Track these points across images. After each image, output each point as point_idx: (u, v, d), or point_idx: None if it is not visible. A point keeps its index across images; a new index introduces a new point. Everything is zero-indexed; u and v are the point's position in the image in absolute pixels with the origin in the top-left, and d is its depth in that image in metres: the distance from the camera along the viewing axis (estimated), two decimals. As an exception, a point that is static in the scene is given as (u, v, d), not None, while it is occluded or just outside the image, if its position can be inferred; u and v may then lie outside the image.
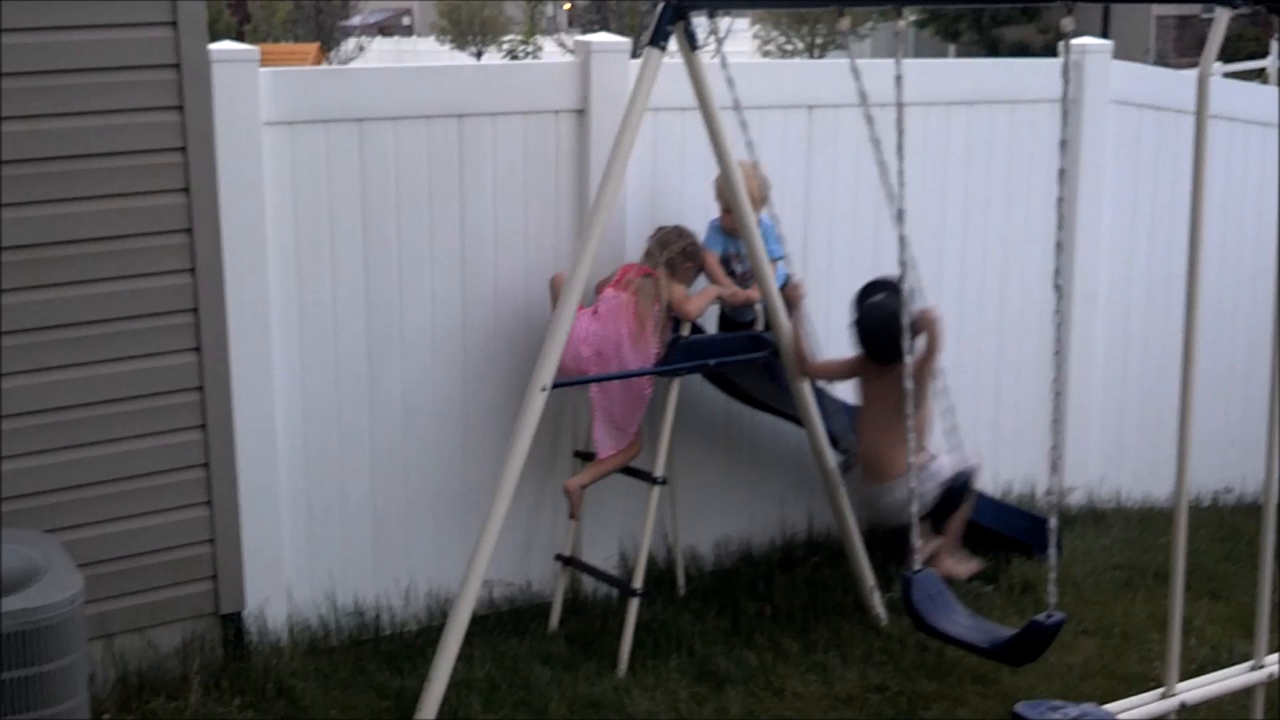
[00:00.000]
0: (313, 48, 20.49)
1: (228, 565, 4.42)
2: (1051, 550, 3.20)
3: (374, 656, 4.57)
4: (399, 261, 4.73)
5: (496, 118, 4.82)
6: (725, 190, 4.69)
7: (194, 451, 4.31)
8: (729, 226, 4.83)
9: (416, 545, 4.89)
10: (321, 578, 4.73)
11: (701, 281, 4.91)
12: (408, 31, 40.26)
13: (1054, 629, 3.25)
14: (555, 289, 4.69)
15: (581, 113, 4.92)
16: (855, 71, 4.03)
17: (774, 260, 4.76)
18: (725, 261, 4.90)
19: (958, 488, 4.33)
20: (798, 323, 4.63)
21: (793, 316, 4.65)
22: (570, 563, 4.94)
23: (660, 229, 4.87)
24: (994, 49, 26.66)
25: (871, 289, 4.43)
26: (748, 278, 4.86)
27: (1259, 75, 18.68)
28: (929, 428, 4.34)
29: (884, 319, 4.20)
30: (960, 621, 3.54)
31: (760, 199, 4.79)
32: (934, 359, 4.22)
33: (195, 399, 4.29)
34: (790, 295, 4.71)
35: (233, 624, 4.48)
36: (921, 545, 4.11)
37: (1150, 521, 6.06)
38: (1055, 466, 3.22)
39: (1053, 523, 3.18)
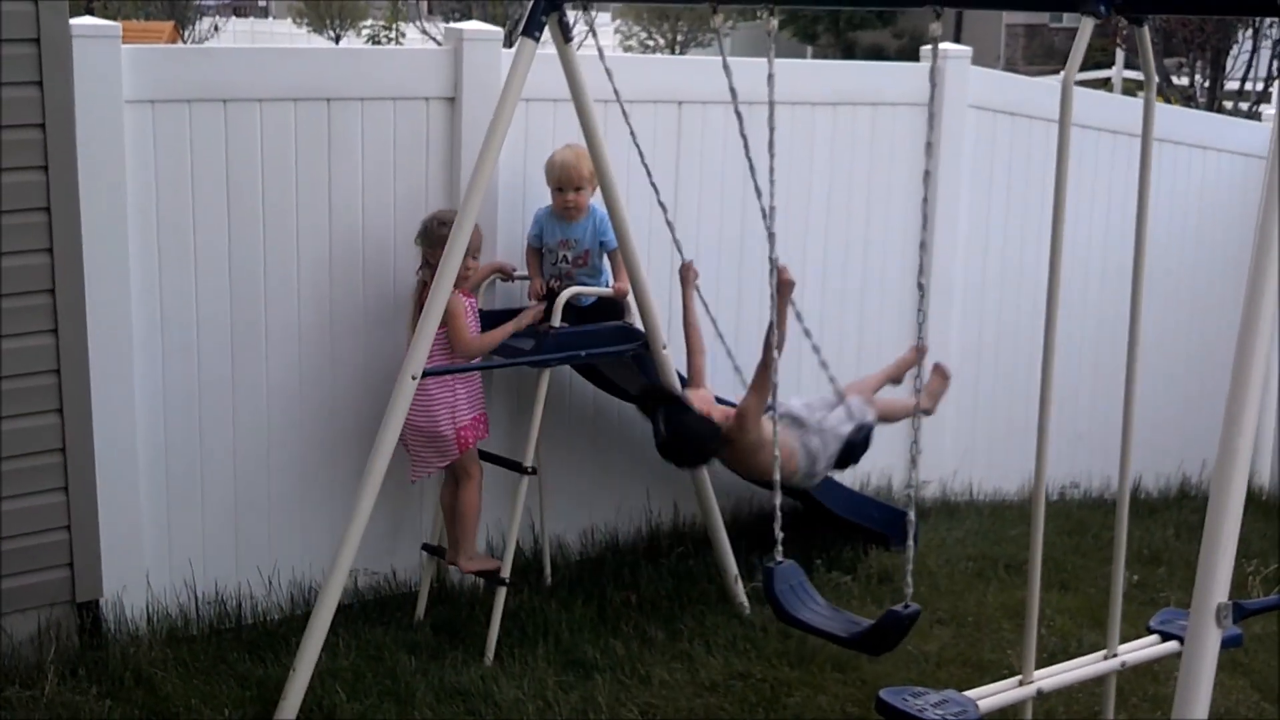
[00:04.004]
0: (167, 26, 19.86)
1: (85, 552, 4.32)
2: (910, 543, 3.29)
3: (235, 645, 4.50)
4: (264, 244, 4.66)
5: (366, 102, 4.78)
6: (559, 172, 4.74)
7: (50, 435, 4.20)
8: (559, 209, 4.81)
9: (280, 533, 4.82)
10: (181, 565, 4.64)
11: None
12: (263, 13, 39.24)
13: (910, 619, 3.32)
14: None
15: (453, 100, 4.91)
16: (727, 69, 4.05)
17: (611, 250, 4.81)
18: (552, 250, 4.87)
19: None
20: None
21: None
22: (436, 552, 4.93)
23: None
24: (850, 52, 27.26)
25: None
26: (578, 264, 4.86)
27: (1105, 84, 19.47)
28: None
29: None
30: (820, 612, 3.59)
31: (592, 182, 4.79)
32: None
33: (52, 382, 4.18)
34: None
35: (90, 612, 4.38)
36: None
37: (1001, 514, 6.28)
38: (915, 461, 3.30)
39: (911, 515, 3.26)
